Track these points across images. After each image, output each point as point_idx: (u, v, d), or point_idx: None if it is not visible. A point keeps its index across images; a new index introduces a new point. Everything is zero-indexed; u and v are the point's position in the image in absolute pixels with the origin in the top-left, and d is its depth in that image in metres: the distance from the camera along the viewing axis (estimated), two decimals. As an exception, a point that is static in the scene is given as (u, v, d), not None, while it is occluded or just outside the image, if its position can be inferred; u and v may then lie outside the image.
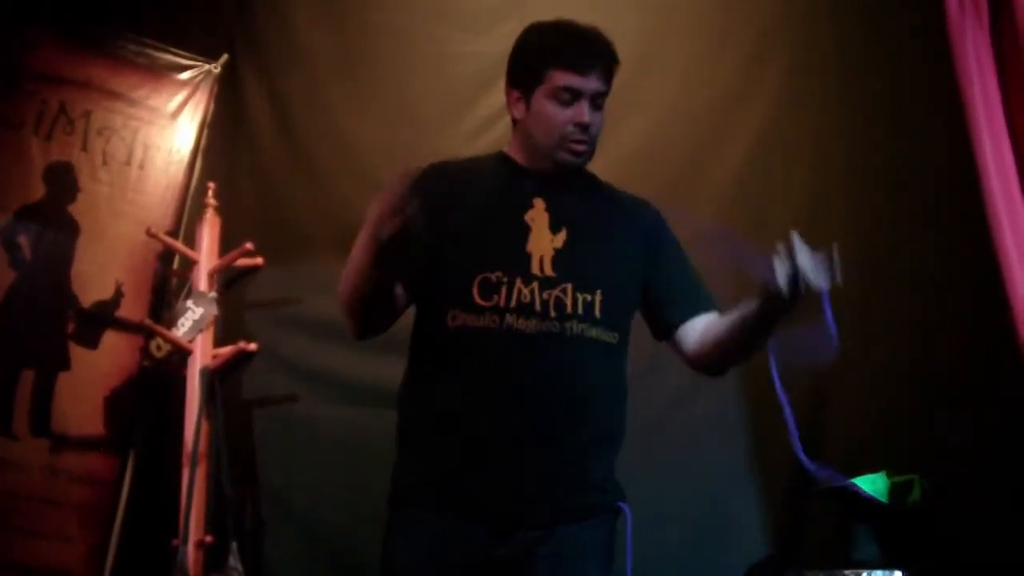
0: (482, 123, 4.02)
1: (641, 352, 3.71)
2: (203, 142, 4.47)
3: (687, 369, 3.75)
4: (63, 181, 4.13)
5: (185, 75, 4.44)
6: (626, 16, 4.15)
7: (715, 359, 2.53)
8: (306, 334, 4.17)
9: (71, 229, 4.13)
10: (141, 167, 4.32)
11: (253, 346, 4.22)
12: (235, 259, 4.24)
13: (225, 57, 4.50)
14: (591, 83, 2.42)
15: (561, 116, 2.41)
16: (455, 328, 2.36)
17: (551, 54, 2.44)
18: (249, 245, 4.20)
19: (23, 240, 4.03)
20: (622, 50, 4.09)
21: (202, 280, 4.22)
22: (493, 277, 2.36)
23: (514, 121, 2.53)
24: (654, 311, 2.56)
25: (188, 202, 4.41)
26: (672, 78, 4.04)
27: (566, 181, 2.49)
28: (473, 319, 2.35)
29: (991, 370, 3.27)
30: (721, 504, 3.69)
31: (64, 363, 4.06)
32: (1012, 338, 2.94)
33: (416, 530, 2.37)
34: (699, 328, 2.52)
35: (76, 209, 4.15)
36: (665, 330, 2.56)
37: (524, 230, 2.42)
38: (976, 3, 3.12)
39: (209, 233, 4.28)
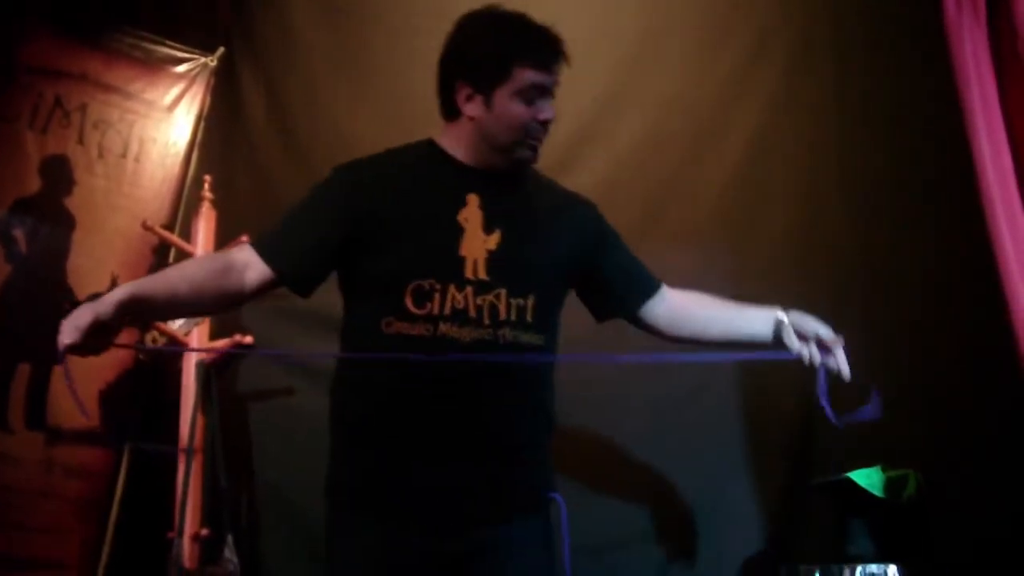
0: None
1: (632, 348, 3.74)
2: (199, 135, 4.46)
3: (685, 369, 3.79)
4: (59, 174, 4.12)
5: (181, 68, 4.44)
6: (625, 13, 4.16)
7: (687, 339, 2.56)
8: (301, 326, 4.17)
9: (67, 222, 4.12)
10: (137, 160, 4.31)
11: (248, 339, 4.21)
12: (231, 252, 4.23)
13: (221, 50, 4.50)
14: (554, 77, 2.41)
15: (526, 114, 2.38)
16: (390, 335, 2.34)
17: (518, 51, 2.38)
18: (245, 238, 4.18)
19: (19, 233, 4.02)
20: (621, 47, 4.14)
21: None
22: (426, 284, 2.33)
23: (458, 116, 2.45)
24: (600, 300, 2.59)
25: (184, 195, 4.40)
26: (670, 76, 4.05)
27: (502, 176, 2.46)
28: (407, 327, 2.33)
29: (987, 366, 3.28)
30: (716, 499, 3.70)
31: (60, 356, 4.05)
32: (1008, 335, 2.94)
33: (357, 534, 2.38)
34: (669, 309, 2.56)
35: (72, 202, 4.14)
36: (613, 316, 2.59)
37: (457, 231, 2.37)
38: (974, 2, 3.12)
39: (205, 226, 4.27)
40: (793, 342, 2.31)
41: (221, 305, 2.53)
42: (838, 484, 3.29)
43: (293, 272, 2.41)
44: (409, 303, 2.33)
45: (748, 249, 3.83)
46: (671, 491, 3.70)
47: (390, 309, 2.34)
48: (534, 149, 2.42)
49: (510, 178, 2.47)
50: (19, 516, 3.88)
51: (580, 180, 4.00)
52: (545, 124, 2.41)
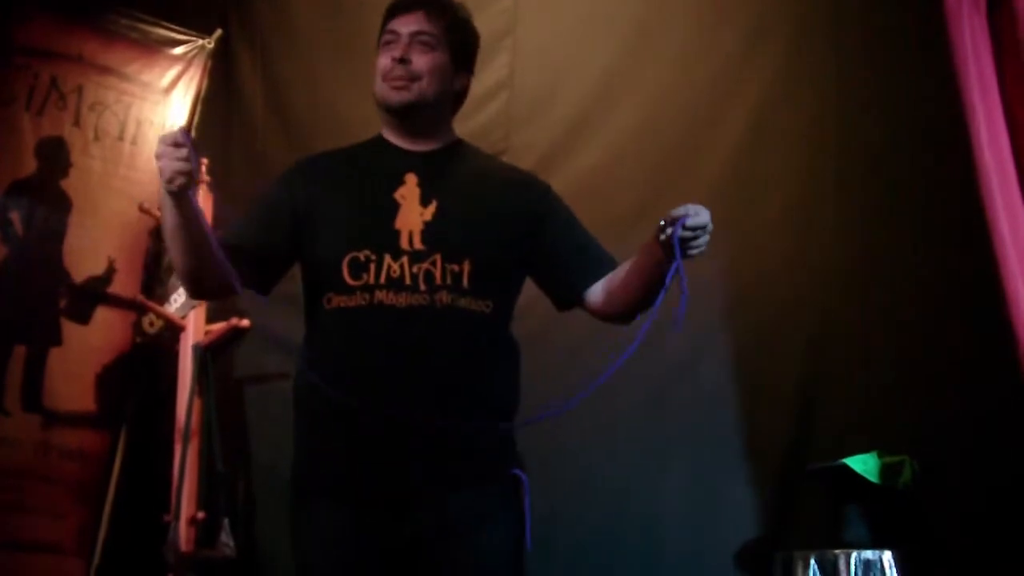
0: (472, 102, 4.00)
1: (627, 334, 3.74)
2: (196, 117, 4.44)
3: (677, 353, 3.79)
4: (55, 156, 4.12)
5: (178, 50, 4.43)
6: (620, 2, 4.14)
7: (623, 307, 2.48)
8: (299, 310, 4.15)
9: (63, 205, 4.12)
10: (134, 142, 4.30)
11: (246, 323, 4.22)
12: (228, 236, 4.23)
13: (219, 32, 4.49)
14: (410, 23, 2.47)
15: (384, 59, 2.46)
16: (331, 310, 2.38)
17: (386, 13, 2.53)
18: (242, 223, 4.19)
19: (15, 215, 4.02)
20: (616, 36, 4.13)
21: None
22: (361, 256, 2.37)
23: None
24: (553, 283, 2.56)
25: (181, 178, 4.38)
26: (666, 64, 4.02)
27: (443, 155, 2.53)
28: (346, 299, 2.37)
29: (983, 353, 3.28)
30: (711, 485, 3.69)
31: (56, 339, 4.06)
32: (1006, 324, 2.94)
33: (315, 517, 2.39)
34: (601, 285, 2.50)
35: (68, 184, 4.14)
36: (569, 300, 2.55)
37: (394, 207, 2.42)
38: (974, -14, 3.10)
39: (202, 208, 4.26)
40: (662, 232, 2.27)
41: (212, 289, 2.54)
42: (834, 470, 3.29)
43: (259, 254, 2.44)
44: (346, 275, 2.37)
45: (744, 238, 3.82)
46: (664, 477, 3.70)
47: (330, 285, 2.38)
48: (398, 88, 2.46)
49: (451, 157, 2.54)
50: (16, 498, 3.90)
51: (576, 168, 4.01)
52: (394, 62, 2.45)
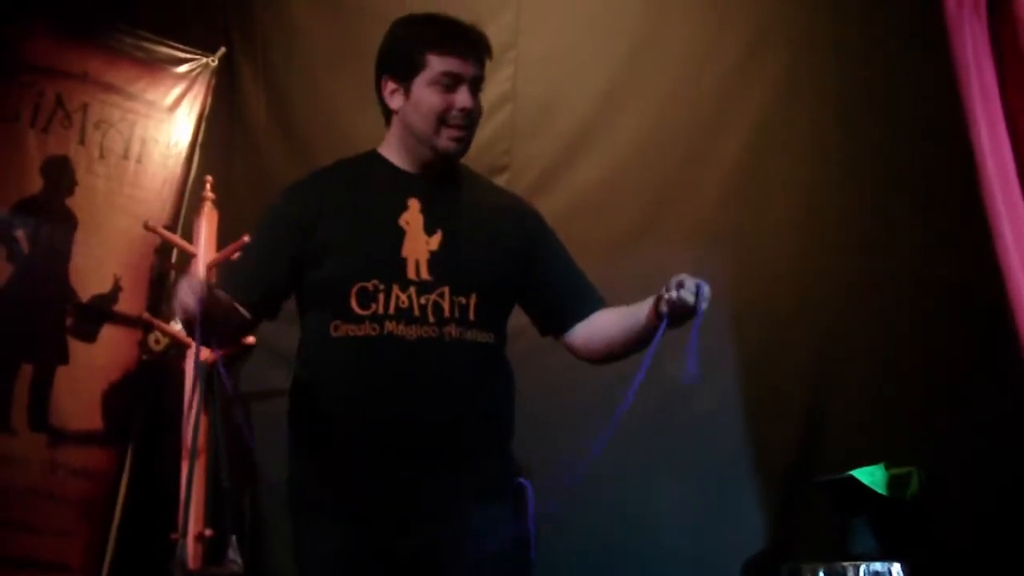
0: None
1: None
2: (201, 136, 4.45)
3: (683, 364, 3.77)
4: (60, 174, 4.12)
5: (182, 68, 4.43)
6: (625, 7, 4.14)
7: (601, 356, 2.55)
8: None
9: (68, 223, 4.12)
10: (139, 161, 4.31)
11: (251, 340, 4.22)
12: (233, 252, 4.23)
13: (223, 50, 4.49)
14: (470, 68, 2.44)
15: (443, 101, 2.42)
16: (337, 338, 2.39)
17: (431, 41, 2.45)
18: (247, 238, 4.18)
19: (20, 234, 4.02)
20: (620, 43, 4.13)
21: (200, 274, 4.21)
22: (370, 286, 2.38)
23: (390, 114, 2.54)
24: (541, 312, 2.59)
25: (186, 196, 4.40)
26: (669, 71, 4.04)
27: (441, 179, 2.51)
28: (354, 328, 2.38)
29: (990, 363, 3.28)
30: (719, 497, 3.69)
31: (62, 357, 4.05)
32: (1011, 331, 2.93)
33: (318, 538, 2.40)
34: (585, 325, 2.54)
35: (73, 203, 4.13)
36: (553, 332, 2.59)
37: (399, 234, 2.43)
38: (975, -4, 3.10)
39: (207, 226, 4.27)
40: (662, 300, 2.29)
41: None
42: (841, 482, 3.29)
43: (252, 301, 2.46)
44: (354, 305, 2.38)
45: (749, 245, 3.82)
46: (671, 489, 3.70)
47: (337, 313, 2.39)
48: (458, 140, 2.46)
49: (448, 180, 2.53)
50: (23, 517, 3.88)
51: (580, 180, 4.02)
52: (465, 113, 2.43)
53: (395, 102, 2.50)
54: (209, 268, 4.23)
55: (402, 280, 2.38)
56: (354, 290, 2.37)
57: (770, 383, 3.73)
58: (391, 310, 2.36)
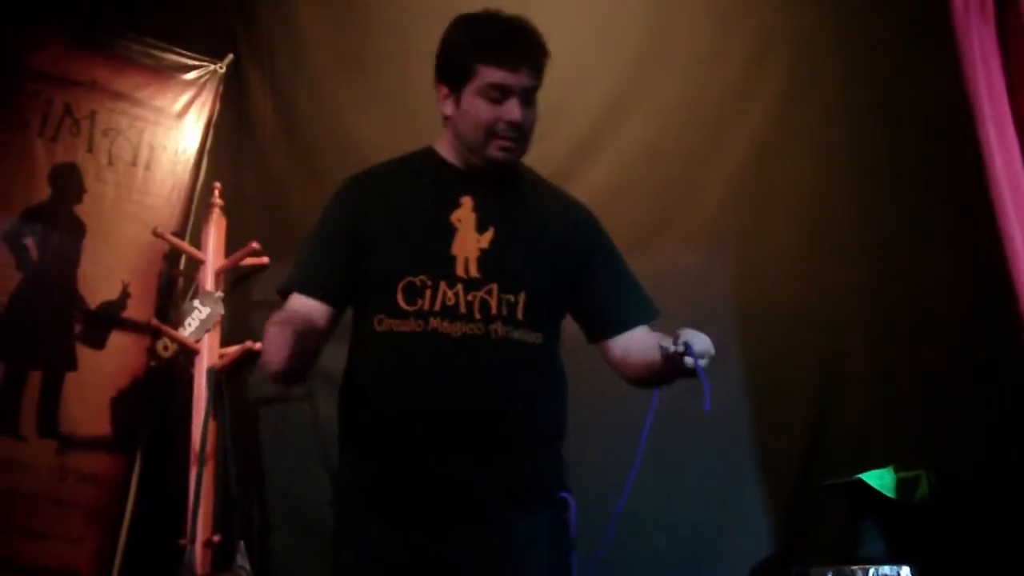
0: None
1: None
2: (209, 142, 4.46)
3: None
4: (69, 182, 4.13)
5: (190, 75, 4.44)
6: (629, 13, 4.15)
7: (634, 377, 2.53)
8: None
9: (77, 230, 4.13)
10: (147, 168, 4.32)
11: (259, 345, 4.21)
12: (241, 259, 4.25)
13: (230, 57, 4.50)
14: (521, 79, 2.37)
15: (491, 113, 2.37)
16: (382, 332, 2.36)
17: (480, 50, 2.38)
18: (255, 244, 4.21)
19: (29, 241, 4.04)
20: (624, 50, 4.14)
21: (208, 280, 4.22)
22: (417, 281, 2.35)
23: (444, 118, 2.48)
24: (585, 319, 2.56)
25: (194, 202, 4.41)
26: (675, 75, 4.04)
27: (496, 178, 2.47)
28: (399, 323, 2.35)
29: (999, 366, 3.27)
30: (726, 500, 3.69)
31: (71, 364, 4.06)
32: (1020, 336, 2.93)
33: (360, 537, 2.38)
34: (623, 344, 2.51)
35: (82, 210, 4.15)
36: (597, 339, 2.56)
37: (450, 232, 2.40)
38: (982, 1, 3.10)
39: (215, 233, 4.28)
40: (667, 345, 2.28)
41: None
42: (850, 485, 3.28)
43: (329, 294, 2.43)
44: (400, 300, 2.35)
45: (754, 251, 3.82)
46: (678, 493, 3.69)
47: (382, 307, 2.36)
48: (507, 151, 2.40)
49: (504, 180, 2.49)
50: (32, 523, 3.89)
51: (586, 183, 4.01)
52: (514, 125, 2.38)
53: (447, 108, 2.44)
54: (217, 275, 4.24)
55: (450, 277, 2.36)
56: (401, 285, 2.35)
57: (776, 385, 3.73)
58: (437, 306, 2.34)
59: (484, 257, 2.38)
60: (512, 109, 2.36)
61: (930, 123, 3.55)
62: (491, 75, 2.36)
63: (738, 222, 3.88)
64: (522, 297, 2.38)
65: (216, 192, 4.32)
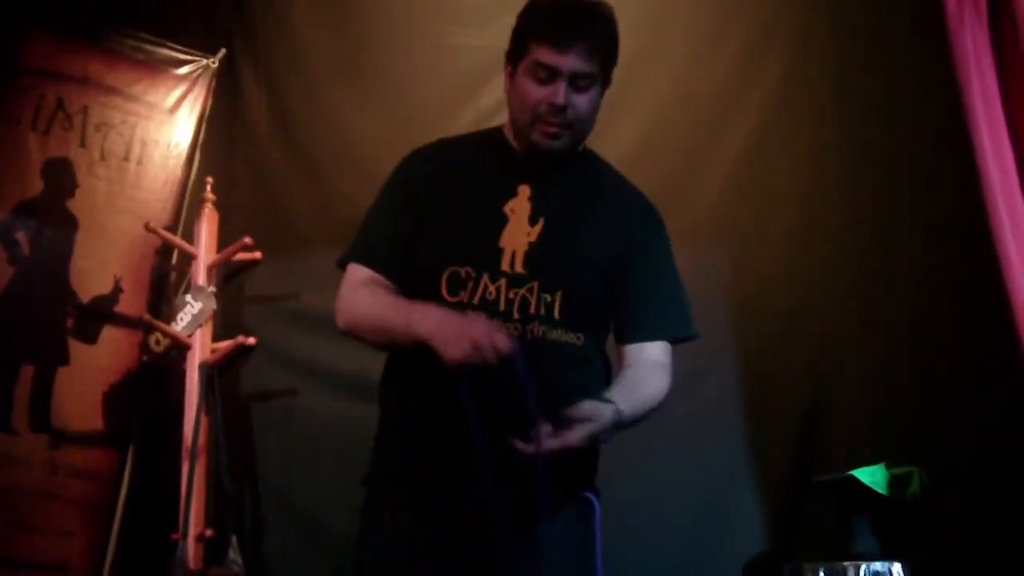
0: (481, 116, 4.02)
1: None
2: (201, 137, 4.46)
3: (683, 365, 3.77)
4: (61, 177, 4.13)
5: (183, 70, 4.43)
6: (623, 9, 4.14)
7: None
8: (304, 328, 4.17)
9: (69, 225, 4.12)
10: (139, 163, 4.31)
11: (252, 340, 4.22)
12: (233, 253, 4.24)
13: (223, 52, 4.49)
14: (569, 61, 2.27)
15: (536, 94, 2.30)
16: None
17: (534, 26, 2.32)
18: (247, 239, 4.21)
19: (21, 236, 4.03)
20: (622, 42, 4.12)
21: (201, 275, 4.22)
22: (462, 272, 2.32)
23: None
24: (615, 318, 2.47)
25: (187, 197, 4.40)
26: (670, 72, 4.04)
27: (559, 163, 2.40)
28: None
29: (990, 363, 3.28)
30: (720, 497, 3.69)
31: (63, 358, 4.06)
32: (1011, 333, 2.94)
33: (386, 530, 2.36)
34: (635, 355, 2.44)
35: (74, 205, 4.14)
36: (617, 341, 2.49)
37: (502, 221, 2.35)
38: None
39: (207, 228, 4.28)
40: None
41: None
42: (842, 482, 3.29)
43: (396, 270, 2.41)
44: (444, 290, 2.33)
45: (749, 247, 3.83)
46: (671, 489, 3.70)
47: (428, 294, 2.33)
48: (552, 137, 2.33)
49: (567, 165, 2.42)
50: (24, 518, 3.89)
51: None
52: (555, 109, 2.29)
53: (506, 84, 2.39)
54: (209, 270, 4.23)
55: (494, 271, 2.32)
56: (446, 274, 2.32)
57: (770, 383, 3.74)
58: (476, 300, 2.30)
59: (531, 251, 2.33)
60: (557, 92, 2.28)
61: (927, 120, 3.56)
62: (540, 53, 2.29)
63: (733, 219, 3.88)
64: (559, 297, 2.33)
65: (208, 187, 4.31)
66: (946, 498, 3.27)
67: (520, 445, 2.15)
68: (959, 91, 3.05)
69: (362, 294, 2.37)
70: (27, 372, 3.98)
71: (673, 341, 2.48)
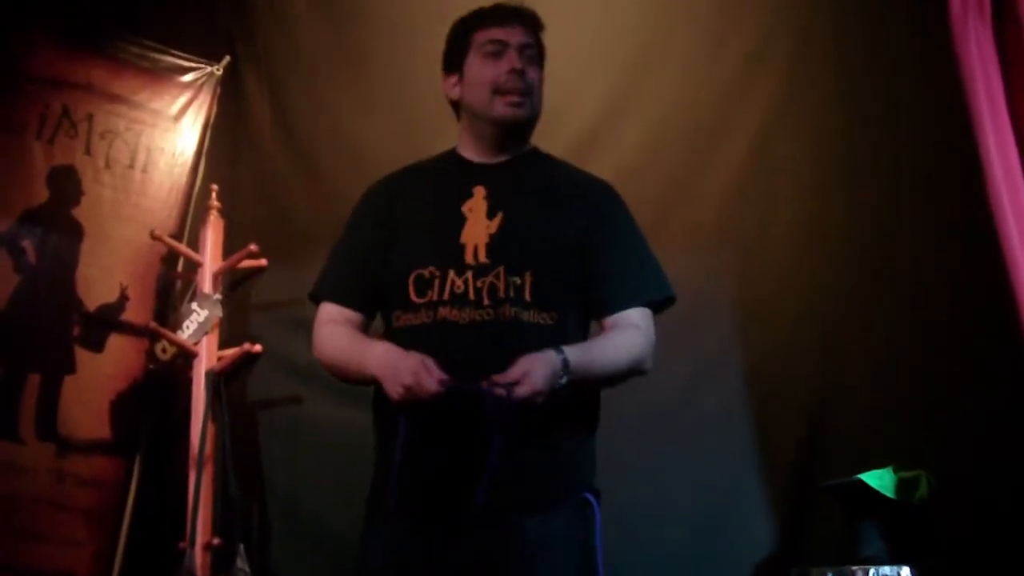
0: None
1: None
2: (206, 144, 4.46)
3: (689, 369, 3.78)
4: (66, 185, 4.13)
5: (187, 77, 4.44)
6: (627, 13, 4.15)
7: None
8: (310, 335, 4.16)
9: (75, 233, 4.13)
10: (144, 170, 4.32)
11: (258, 348, 4.22)
12: (239, 261, 4.24)
13: (227, 59, 4.50)
14: (516, 34, 2.48)
15: (492, 69, 2.46)
16: (398, 328, 2.42)
17: (475, 20, 2.53)
18: (253, 247, 4.21)
19: (27, 244, 4.03)
20: (622, 50, 4.14)
21: (206, 282, 4.22)
22: (426, 273, 2.39)
23: (456, 108, 2.57)
24: (588, 295, 2.49)
25: (192, 204, 4.41)
26: (673, 75, 4.04)
27: (512, 164, 2.52)
28: (411, 317, 2.39)
29: (998, 367, 3.27)
30: (726, 501, 3.68)
31: (69, 367, 4.06)
32: (1017, 334, 2.93)
33: (381, 535, 2.39)
34: (611, 321, 2.47)
35: (80, 213, 4.15)
36: (593, 316, 2.53)
37: (460, 221, 2.43)
38: (980, 1, 3.10)
39: (213, 235, 4.28)
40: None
41: None
42: (849, 486, 3.27)
43: (359, 302, 2.51)
44: (412, 293, 2.40)
45: (753, 250, 3.82)
46: (678, 493, 3.69)
47: (398, 303, 2.42)
48: (516, 105, 2.47)
49: (520, 164, 2.53)
50: (31, 527, 3.89)
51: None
52: (516, 74, 2.45)
53: (455, 92, 2.54)
54: (215, 277, 4.24)
55: (459, 265, 2.38)
56: (412, 278, 2.39)
57: (776, 386, 3.73)
58: (446, 296, 2.37)
59: (493, 242, 2.40)
60: (511, 59, 2.45)
61: (930, 123, 3.55)
62: (487, 34, 2.49)
63: (737, 223, 3.87)
64: (528, 278, 2.37)
65: (213, 194, 4.31)
66: (954, 502, 3.25)
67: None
68: (963, 93, 3.04)
69: (325, 333, 2.51)
70: (33, 380, 3.98)
71: (649, 306, 2.51)
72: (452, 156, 2.58)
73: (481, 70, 2.47)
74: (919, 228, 3.58)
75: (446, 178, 2.53)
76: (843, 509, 3.36)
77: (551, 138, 4.12)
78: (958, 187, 3.25)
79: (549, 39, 4.24)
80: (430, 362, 2.23)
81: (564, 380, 2.25)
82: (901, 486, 3.23)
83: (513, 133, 2.52)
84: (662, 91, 4.03)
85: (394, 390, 2.24)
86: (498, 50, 2.46)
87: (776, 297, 3.76)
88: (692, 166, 3.95)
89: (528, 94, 2.48)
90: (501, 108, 2.46)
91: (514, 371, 2.20)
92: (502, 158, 2.53)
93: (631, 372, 2.46)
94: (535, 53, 2.52)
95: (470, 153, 2.55)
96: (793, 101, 3.86)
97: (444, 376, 2.21)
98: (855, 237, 3.69)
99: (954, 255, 3.47)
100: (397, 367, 2.25)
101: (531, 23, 2.53)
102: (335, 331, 2.48)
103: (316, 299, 2.58)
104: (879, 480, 3.23)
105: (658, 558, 3.66)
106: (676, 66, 4.04)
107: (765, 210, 3.83)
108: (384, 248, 2.47)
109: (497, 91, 2.45)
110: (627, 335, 2.45)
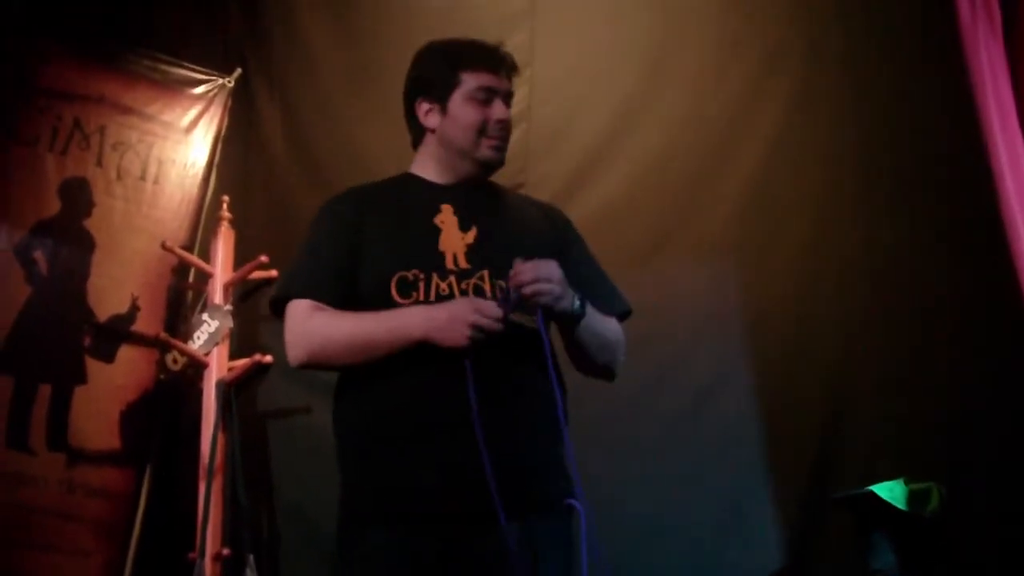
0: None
1: (651, 361, 3.73)
2: (217, 156, 4.47)
3: (700, 379, 3.78)
4: (78, 196, 4.15)
5: (199, 90, 4.46)
6: (638, 26, 4.16)
7: (577, 367, 2.56)
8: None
9: (86, 244, 4.14)
10: (156, 182, 4.33)
11: (268, 358, 4.23)
12: (250, 272, 4.25)
13: (238, 71, 4.52)
14: (504, 83, 2.56)
15: (481, 115, 2.51)
16: None
17: (463, 59, 2.54)
18: (264, 258, 4.21)
19: (39, 255, 4.05)
20: (634, 60, 4.15)
21: (217, 293, 4.23)
22: (410, 275, 2.41)
23: (421, 135, 2.59)
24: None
25: (203, 216, 4.42)
26: (684, 88, 4.05)
27: (472, 190, 2.57)
28: None
29: (1011, 378, 3.26)
30: (736, 512, 3.68)
31: (81, 377, 4.07)
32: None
33: (364, 543, 2.36)
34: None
35: (91, 224, 4.16)
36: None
37: (435, 232, 2.48)
38: (989, 10, 3.11)
39: (224, 246, 4.29)
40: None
41: None
42: (860, 497, 3.27)
43: (331, 298, 2.47)
44: (395, 294, 2.40)
45: (762, 264, 3.82)
46: (688, 504, 3.68)
47: (379, 303, 2.40)
48: (497, 149, 2.55)
49: (479, 190, 2.59)
50: (41, 537, 3.89)
51: (596, 196, 4.02)
52: (502, 124, 2.54)
53: (432, 121, 2.56)
54: (226, 288, 4.25)
55: (441, 270, 2.42)
56: (394, 280, 2.40)
57: (785, 397, 3.73)
58: (432, 296, 2.39)
59: (471, 250, 2.46)
60: (499, 109, 2.53)
61: (941, 133, 3.55)
62: (479, 79, 2.53)
63: (746, 235, 3.88)
64: None
65: (224, 206, 4.33)
66: (965, 514, 3.24)
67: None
68: (974, 102, 3.04)
69: (321, 319, 2.43)
70: (44, 391, 4.00)
71: (620, 318, 2.61)
72: (411, 178, 2.61)
73: (469, 114, 2.51)
74: (930, 239, 3.58)
75: (412, 195, 2.56)
76: (854, 521, 3.36)
77: (562, 151, 4.17)
78: (969, 198, 3.25)
79: (561, 53, 4.27)
80: (473, 297, 2.34)
81: (578, 305, 2.36)
82: (912, 498, 3.22)
83: (489, 172, 2.60)
84: (672, 103, 4.04)
85: (461, 335, 2.26)
86: (488, 98, 2.52)
87: (786, 309, 3.76)
88: (702, 177, 3.95)
89: (507, 137, 2.57)
90: (486, 151, 2.54)
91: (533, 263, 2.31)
92: (465, 183, 2.58)
93: (611, 355, 2.54)
94: (511, 99, 2.60)
95: (432, 176, 2.59)
96: (803, 115, 3.87)
97: (494, 301, 2.30)
98: (865, 250, 3.69)
99: (967, 266, 3.47)
100: (452, 314, 2.29)
101: (513, 69, 2.60)
102: (333, 315, 2.43)
103: (286, 299, 2.51)
104: (890, 492, 3.23)
105: (668, 568, 3.66)
106: (686, 78, 4.05)
107: (774, 223, 3.84)
108: (356, 252, 2.47)
109: (483, 134, 2.53)
110: (616, 326, 2.57)
